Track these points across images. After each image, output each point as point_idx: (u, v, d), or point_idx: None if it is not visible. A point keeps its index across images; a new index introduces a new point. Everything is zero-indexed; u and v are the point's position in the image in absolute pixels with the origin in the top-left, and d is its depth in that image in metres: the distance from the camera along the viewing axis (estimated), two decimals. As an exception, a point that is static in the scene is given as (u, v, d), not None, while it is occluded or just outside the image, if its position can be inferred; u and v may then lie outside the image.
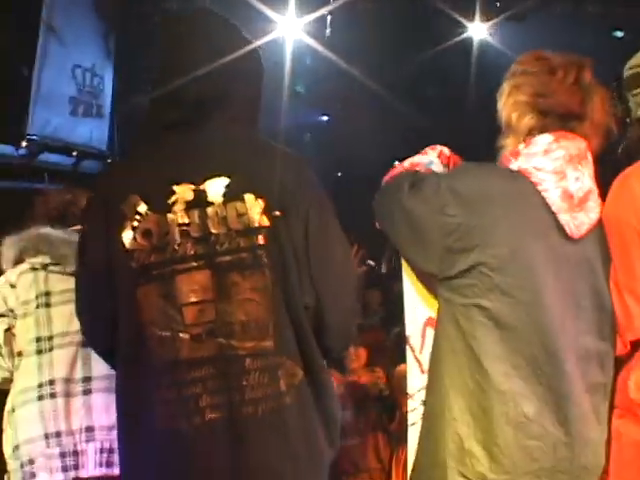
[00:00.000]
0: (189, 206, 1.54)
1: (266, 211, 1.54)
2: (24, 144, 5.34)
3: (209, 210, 1.55)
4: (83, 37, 6.09)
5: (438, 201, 1.65)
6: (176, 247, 1.54)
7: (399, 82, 7.38)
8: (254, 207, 1.54)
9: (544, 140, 1.67)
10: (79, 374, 2.17)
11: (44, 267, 2.20)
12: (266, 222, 1.54)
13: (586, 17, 6.61)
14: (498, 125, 1.79)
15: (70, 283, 1.94)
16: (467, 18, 6.91)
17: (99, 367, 2.09)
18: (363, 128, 7.87)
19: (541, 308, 1.62)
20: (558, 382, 1.62)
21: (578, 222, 1.66)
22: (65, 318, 2.15)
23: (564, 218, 1.65)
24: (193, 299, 1.53)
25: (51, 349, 2.16)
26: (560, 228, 1.66)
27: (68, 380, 2.16)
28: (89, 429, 2.14)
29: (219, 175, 1.55)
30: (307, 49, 7.28)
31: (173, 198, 1.55)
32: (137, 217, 1.54)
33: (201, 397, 1.53)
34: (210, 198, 1.55)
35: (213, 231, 1.54)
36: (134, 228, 1.55)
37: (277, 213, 1.55)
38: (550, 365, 1.62)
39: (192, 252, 1.54)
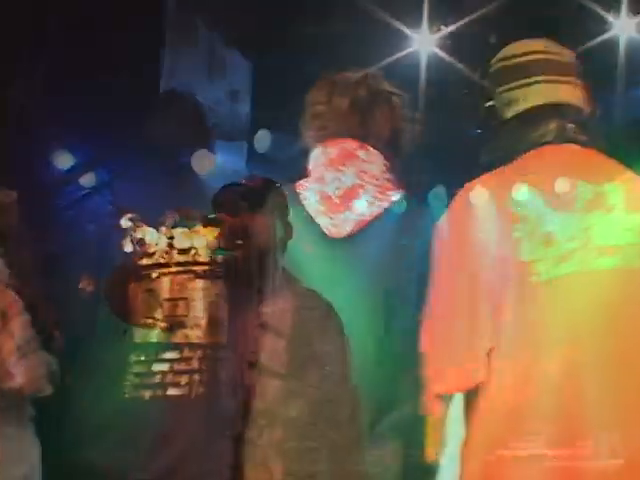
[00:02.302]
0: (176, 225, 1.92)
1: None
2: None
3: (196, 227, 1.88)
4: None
5: None
6: (164, 255, 1.88)
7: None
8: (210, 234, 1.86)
9: (315, 154, 1.84)
10: None
11: None
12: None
13: None
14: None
15: None
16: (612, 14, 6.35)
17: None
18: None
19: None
20: None
21: (339, 221, 1.74)
22: None
23: (322, 221, 1.74)
24: (171, 296, 1.86)
25: None
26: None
27: None
28: None
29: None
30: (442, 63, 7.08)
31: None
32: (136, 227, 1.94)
33: (167, 375, 1.85)
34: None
35: (195, 245, 1.87)
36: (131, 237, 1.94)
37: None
38: None
39: (174, 260, 1.87)
